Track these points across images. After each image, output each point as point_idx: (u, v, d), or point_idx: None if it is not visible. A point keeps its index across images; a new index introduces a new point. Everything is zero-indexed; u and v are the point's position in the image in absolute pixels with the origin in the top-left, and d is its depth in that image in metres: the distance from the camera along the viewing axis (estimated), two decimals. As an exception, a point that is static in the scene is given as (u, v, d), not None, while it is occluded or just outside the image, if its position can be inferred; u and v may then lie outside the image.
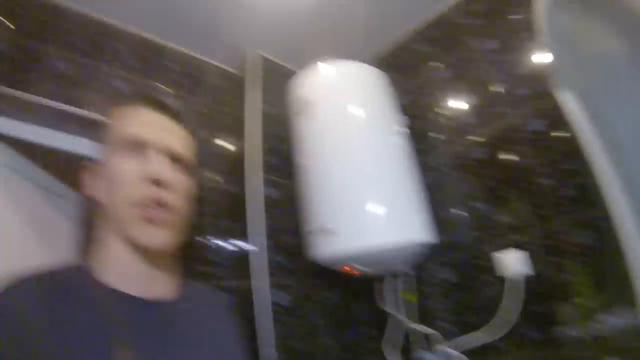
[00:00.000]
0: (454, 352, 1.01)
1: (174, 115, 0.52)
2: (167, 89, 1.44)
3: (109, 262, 0.46)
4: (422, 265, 1.17)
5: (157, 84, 1.43)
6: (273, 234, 1.21)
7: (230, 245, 1.25)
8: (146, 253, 0.46)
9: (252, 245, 1.19)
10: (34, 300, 0.39)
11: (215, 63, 1.60)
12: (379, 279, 1.19)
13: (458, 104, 1.24)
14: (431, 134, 1.28)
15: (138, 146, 0.47)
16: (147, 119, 0.49)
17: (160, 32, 1.49)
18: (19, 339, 0.36)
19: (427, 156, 1.25)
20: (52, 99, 1.23)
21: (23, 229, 1.45)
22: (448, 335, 1.07)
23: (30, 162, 1.47)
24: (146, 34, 1.48)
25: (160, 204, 0.45)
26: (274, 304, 1.13)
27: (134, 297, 0.44)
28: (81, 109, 1.27)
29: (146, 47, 1.48)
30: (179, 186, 0.48)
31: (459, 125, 1.22)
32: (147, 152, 0.47)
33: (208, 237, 1.21)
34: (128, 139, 0.47)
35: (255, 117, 1.38)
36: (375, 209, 0.98)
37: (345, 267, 1.03)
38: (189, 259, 1.11)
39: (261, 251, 1.17)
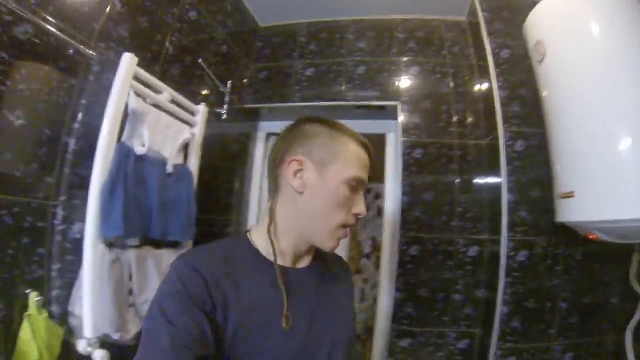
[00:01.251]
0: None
1: (374, 158, 0.65)
2: (403, 58, 1.56)
3: (275, 242, 0.61)
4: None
5: (393, 58, 1.57)
6: (519, 187, 1.22)
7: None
8: (309, 247, 0.65)
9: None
10: (215, 261, 0.56)
11: (443, 17, 1.61)
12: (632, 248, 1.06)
13: None
14: None
15: (358, 183, 0.61)
16: (365, 162, 0.63)
17: (382, 10, 1.59)
18: (208, 287, 0.52)
19: None
20: (304, 101, 1.55)
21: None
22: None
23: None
24: (370, 17, 1.62)
25: (351, 228, 0.62)
26: (509, 258, 1.16)
27: (285, 267, 0.62)
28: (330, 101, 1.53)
29: (373, 27, 1.62)
30: None
31: None
32: (359, 190, 0.62)
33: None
34: (355, 178, 0.60)
35: (496, 62, 1.33)
36: (625, 173, 0.84)
37: (589, 235, 0.96)
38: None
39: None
